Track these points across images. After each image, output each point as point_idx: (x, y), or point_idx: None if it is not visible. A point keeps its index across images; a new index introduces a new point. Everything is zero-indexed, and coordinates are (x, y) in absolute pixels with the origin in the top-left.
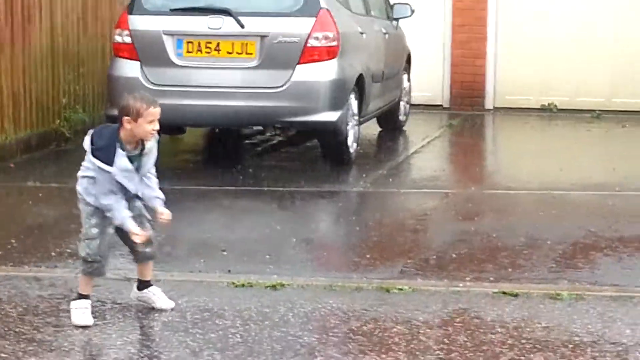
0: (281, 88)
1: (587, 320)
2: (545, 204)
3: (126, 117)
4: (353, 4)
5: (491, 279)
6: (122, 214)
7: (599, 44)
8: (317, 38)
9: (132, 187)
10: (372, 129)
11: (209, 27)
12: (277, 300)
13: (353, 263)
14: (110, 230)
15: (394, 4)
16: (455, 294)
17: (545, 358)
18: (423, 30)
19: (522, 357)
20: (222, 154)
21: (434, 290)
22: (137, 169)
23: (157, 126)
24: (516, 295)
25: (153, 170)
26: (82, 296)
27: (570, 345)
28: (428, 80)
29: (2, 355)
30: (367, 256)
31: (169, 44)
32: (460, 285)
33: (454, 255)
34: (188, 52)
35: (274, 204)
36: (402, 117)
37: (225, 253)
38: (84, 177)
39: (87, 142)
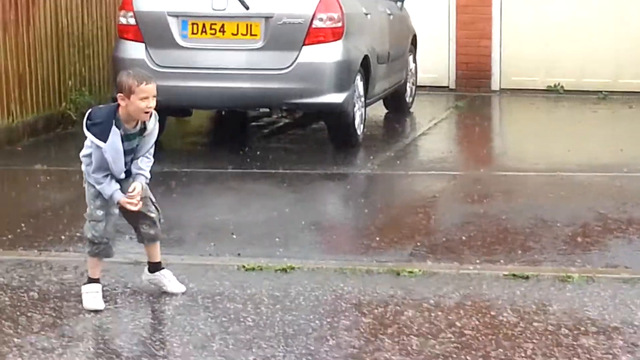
0: (286, 70)
1: (599, 302)
2: (554, 186)
3: (120, 94)
4: None
5: (501, 261)
6: (111, 187)
7: (606, 25)
8: (321, 19)
9: (115, 168)
10: (379, 110)
11: (213, 9)
12: (287, 283)
13: (363, 246)
14: (116, 211)
15: None
16: (466, 276)
17: (557, 340)
18: (428, 11)
19: (534, 340)
20: (229, 136)
21: (444, 273)
22: (136, 150)
23: (151, 103)
24: (527, 277)
25: (152, 151)
26: (92, 280)
27: (582, 328)
28: (434, 61)
29: (15, 340)
30: (377, 239)
31: (174, 26)
32: (471, 267)
33: (463, 238)
34: (193, 33)
35: (282, 187)
36: (408, 99)
37: (234, 236)
38: (84, 156)
39: (85, 119)
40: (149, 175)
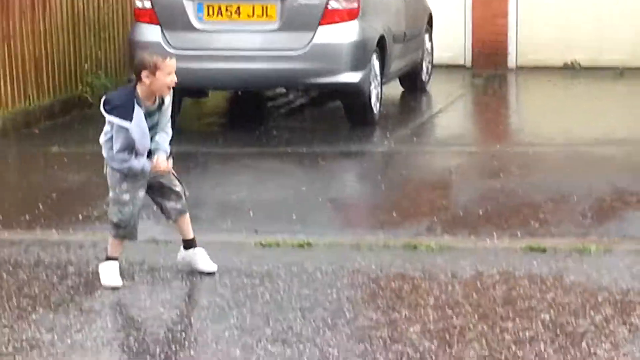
0: (303, 50)
1: (616, 274)
2: (571, 160)
3: (144, 72)
4: None
5: (518, 234)
6: (140, 161)
7: (623, 1)
8: (337, 0)
9: (141, 146)
10: (395, 89)
11: None
12: (304, 259)
13: (379, 221)
14: (141, 194)
15: None
16: (483, 250)
17: (574, 311)
18: None
19: (551, 311)
20: (246, 116)
21: (461, 247)
22: (157, 125)
23: (175, 78)
24: (544, 250)
25: (169, 124)
26: (110, 258)
27: (599, 299)
28: (450, 40)
29: (34, 317)
30: (394, 214)
31: (190, 8)
32: (488, 241)
33: (480, 212)
34: (208, 15)
35: (299, 165)
36: (424, 78)
37: (252, 214)
38: (106, 142)
39: (101, 106)
40: (168, 149)
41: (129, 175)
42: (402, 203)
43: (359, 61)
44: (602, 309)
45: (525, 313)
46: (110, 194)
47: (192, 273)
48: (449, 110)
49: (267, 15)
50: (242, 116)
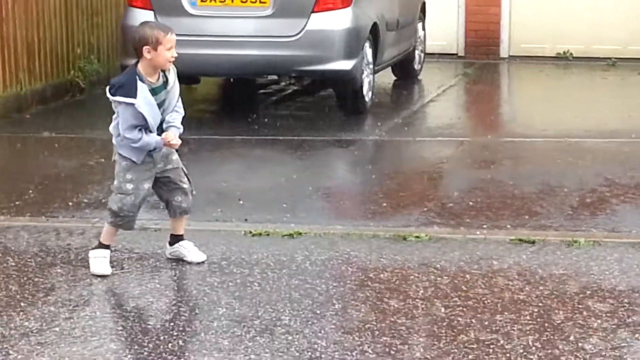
0: (295, 37)
1: (605, 266)
2: (561, 151)
3: (146, 47)
4: None
5: (508, 226)
6: (151, 137)
7: None
8: None
9: (151, 120)
10: (387, 77)
11: None
12: (294, 248)
13: (369, 211)
14: (146, 186)
15: None
16: (472, 241)
17: (563, 305)
18: None
19: (540, 304)
20: (237, 103)
21: (450, 237)
22: (164, 104)
23: (175, 53)
24: (533, 242)
25: (180, 104)
26: (102, 245)
27: (588, 292)
28: (443, 28)
29: (22, 304)
30: (384, 204)
31: None
32: (477, 232)
33: (470, 203)
34: (202, 1)
35: (290, 153)
36: (417, 66)
37: (242, 202)
38: (114, 128)
39: (107, 92)
40: (180, 127)
41: (136, 164)
42: (392, 193)
43: (351, 49)
44: (591, 302)
45: (513, 305)
46: (115, 182)
47: (182, 262)
48: (441, 99)
49: (260, 1)
50: (233, 103)
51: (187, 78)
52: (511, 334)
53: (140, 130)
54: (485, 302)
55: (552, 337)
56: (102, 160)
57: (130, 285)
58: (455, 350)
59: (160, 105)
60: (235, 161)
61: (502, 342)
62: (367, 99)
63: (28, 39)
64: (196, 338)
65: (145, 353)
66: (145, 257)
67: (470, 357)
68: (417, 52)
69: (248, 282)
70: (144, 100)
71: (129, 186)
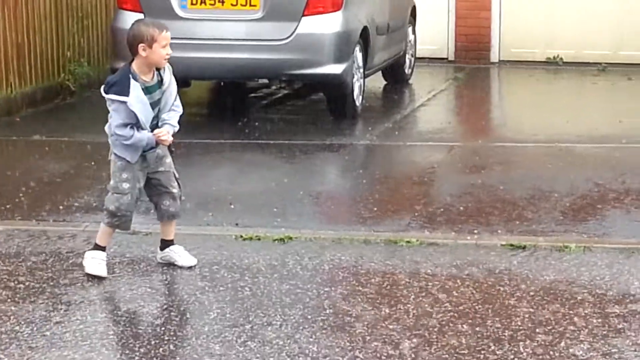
0: (286, 40)
1: (595, 272)
2: (552, 157)
3: (141, 45)
4: None
5: (499, 231)
6: (142, 134)
7: None
8: None
9: (143, 119)
10: (378, 82)
11: None
12: (285, 253)
13: (360, 216)
14: (140, 185)
15: None
16: (463, 246)
17: (553, 310)
18: None
19: (531, 309)
20: (228, 107)
21: (441, 243)
22: (160, 103)
23: (170, 50)
24: (524, 247)
25: (177, 102)
26: (99, 247)
27: (579, 297)
28: (433, 33)
29: (12, 308)
30: (375, 209)
31: None
32: (468, 237)
33: (461, 208)
34: (192, 4)
35: (280, 157)
36: (407, 70)
37: (232, 206)
38: (109, 126)
39: (102, 91)
40: (176, 125)
41: (131, 164)
42: (383, 198)
43: (342, 53)
44: (581, 308)
45: (504, 311)
46: (111, 181)
47: (173, 266)
48: (431, 104)
49: (250, 4)
50: (224, 107)
51: (177, 81)
52: (502, 340)
53: (132, 128)
54: (476, 307)
55: (543, 342)
56: (93, 163)
57: (121, 289)
58: (446, 356)
59: (156, 104)
60: (226, 165)
61: (493, 347)
62: (357, 103)
63: (18, 41)
64: (187, 343)
65: (137, 358)
66: (136, 261)
67: None
68: (407, 56)
69: (239, 286)
70: (136, 99)
71: (126, 185)
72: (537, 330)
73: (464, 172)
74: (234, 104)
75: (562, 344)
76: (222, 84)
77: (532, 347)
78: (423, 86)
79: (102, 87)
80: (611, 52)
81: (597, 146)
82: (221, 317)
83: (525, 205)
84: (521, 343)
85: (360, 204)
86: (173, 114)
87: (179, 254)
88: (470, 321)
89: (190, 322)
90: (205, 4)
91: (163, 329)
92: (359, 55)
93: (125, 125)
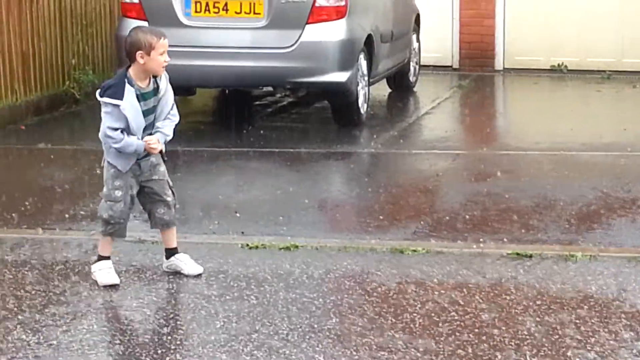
0: (290, 48)
1: (602, 281)
2: (557, 165)
3: (139, 52)
4: None
5: (505, 240)
6: (132, 139)
7: (610, 4)
8: None
9: (134, 125)
10: (382, 90)
11: None
12: (291, 262)
13: (366, 224)
14: (133, 192)
15: None
16: (469, 255)
17: (560, 319)
18: None
19: (537, 318)
20: (233, 115)
21: (447, 251)
22: (156, 110)
23: (167, 58)
24: (530, 256)
25: (174, 111)
26: (103, 258)
27: (585, 306)
28: (437, 40)
29: (19, 317)
30: (380, 217)
31: (177, 4)
32: (474, 246)
33: (467, 217)
34: (196, 12)
35: (286, 166)
36: (412, 78)
37: (238, 215)
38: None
39: (97, 94)
40: (169, 134)
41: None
42: (389, 206)
43: (346, 60)
44: (588, 317)
45: (510, 320)
46: (104, 189)
47: (179, 275)
48: (436, 111)
49: (254, 12)
50: (229, 115)
51: (182, 89)
52: (508, 349)
53: (122, 132)
54: (483, 316)
55: (549, 352)
56: (98, 172)
57: (127, 298)
58: None
59: (151, 111)
60: (231, 173)
61: (499, 357)
62: (362, 111)
63: (23, 49)
64: (194, 352)
65: None
66: (143, 270)
67: None
68: (412, 64)
69: (245, 295)
70: (129, 104)
71: (118, 193)
72: (544, 339)
73: (469, 180)
74: (238, 112)
75: (569, 353)
76: (226, 92)
77: (539, 357)
78: (428, 94)
79: (98, 90)
80: (615, 59)
81: (602, 154)
82: (227, 326)
83: (531, 214)
84: (527, 353)
85: (366, 212)
86: (167, 122)
87: (185, 263)
88: (476, 330)
89: (197, 331)
90: (210, 11)
91: (169, 337)
92: (363, 63)
93: (115, 129)
